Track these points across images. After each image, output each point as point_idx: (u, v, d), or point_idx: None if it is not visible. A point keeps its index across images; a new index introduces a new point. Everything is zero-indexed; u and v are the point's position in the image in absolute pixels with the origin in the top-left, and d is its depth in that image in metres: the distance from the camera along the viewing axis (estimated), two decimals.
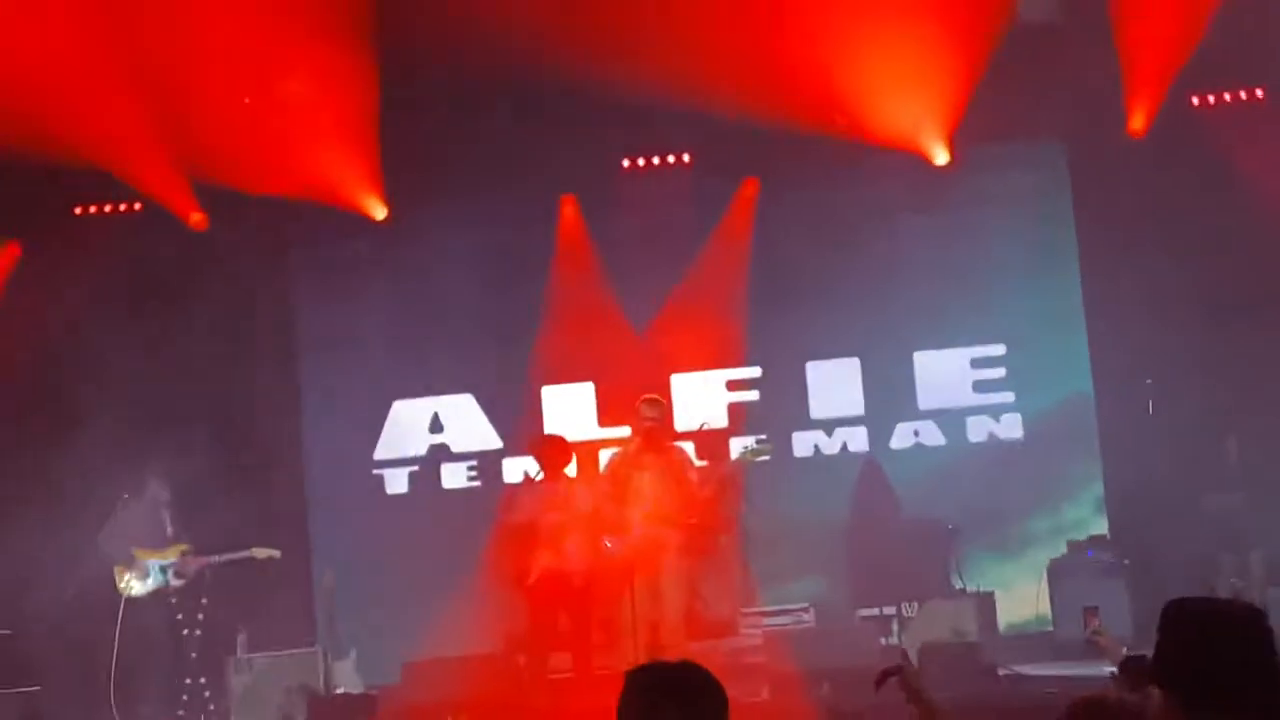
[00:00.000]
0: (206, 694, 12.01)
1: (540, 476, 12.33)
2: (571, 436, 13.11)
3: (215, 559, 12.38)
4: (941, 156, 13.63)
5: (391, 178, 13.91)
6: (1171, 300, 13.15)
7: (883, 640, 12.47)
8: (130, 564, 12.33)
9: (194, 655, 12.24)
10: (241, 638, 12.71)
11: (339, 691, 12.21)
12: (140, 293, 13.77)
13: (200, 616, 12.31)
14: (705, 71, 12.62)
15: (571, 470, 12.66)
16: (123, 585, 12.24)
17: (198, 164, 13.37)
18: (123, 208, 14.32)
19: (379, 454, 14.97)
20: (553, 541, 12.03)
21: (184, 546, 12.43)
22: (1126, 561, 12.78)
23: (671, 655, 11.46)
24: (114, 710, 11.89)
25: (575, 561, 11.88)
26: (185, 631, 12.24)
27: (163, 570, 12.32)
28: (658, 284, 14.23)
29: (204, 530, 12.53)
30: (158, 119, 12.71)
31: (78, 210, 14.31)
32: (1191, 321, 13.19)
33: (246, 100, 13.35)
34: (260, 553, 12.46)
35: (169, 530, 12.48)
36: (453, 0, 12.70)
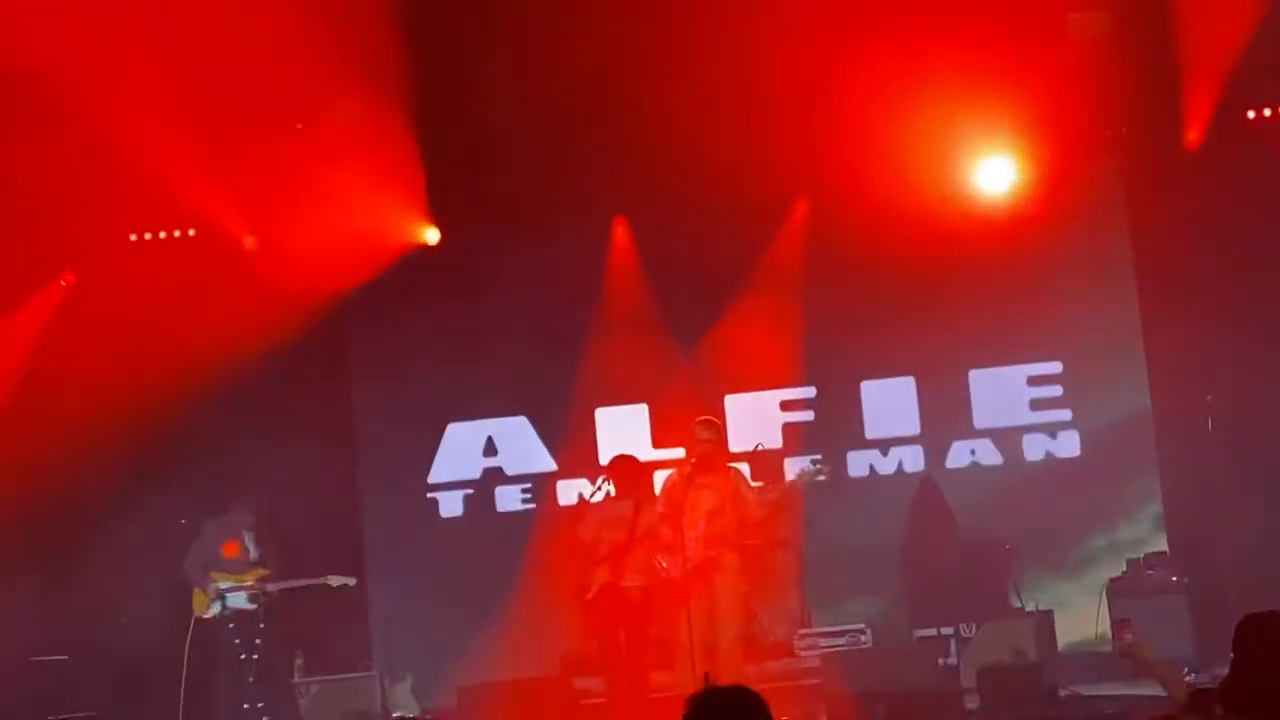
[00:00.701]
0: (265, 719, 12.03)
1: (599, 496, 12.38)
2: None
3: (293, 584, 12.42)
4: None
5: (441, 199, 13.94)
6: (1230, 315, 13.03)
7: (940, 661, 12.39)
8: (208, 587, 12.41)
9: (251, 680, 12.25)
10: (299, 662, 12.75)
11: (396, 716, 12.21)
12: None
13: (258, 641, 12.33)
14: (757, 90, 12.63)
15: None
16: (200, 608, 12.32)
17: (250, 188, 13.47)
18: (176, 233, 14.39)
19: (433, 477, 14.99)
20: (613, 559, 12.08)
21: (263, 571, 12.49)
22: (1185, 580, 12.66)
23: (728, 678, 11.45)
24: None
25: (633, 578, 11.91)
26: (243, 656, 12.26)
27: (243, 595, 12.38)
28: (711, 304, 14.20)
29: (278, 555, 12.62)
30: (211, 143, 12.79)
31: (132, 237, 14.40)
32: (1251, 336, 13.06)
33: (299, 126, 13.44)
34: (335, 580, 12.49)
35: (251, 555, 12.53)
36: (504, 24, 12.74)
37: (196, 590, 12.44)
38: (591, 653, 12.50)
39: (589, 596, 12.10)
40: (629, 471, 12.61)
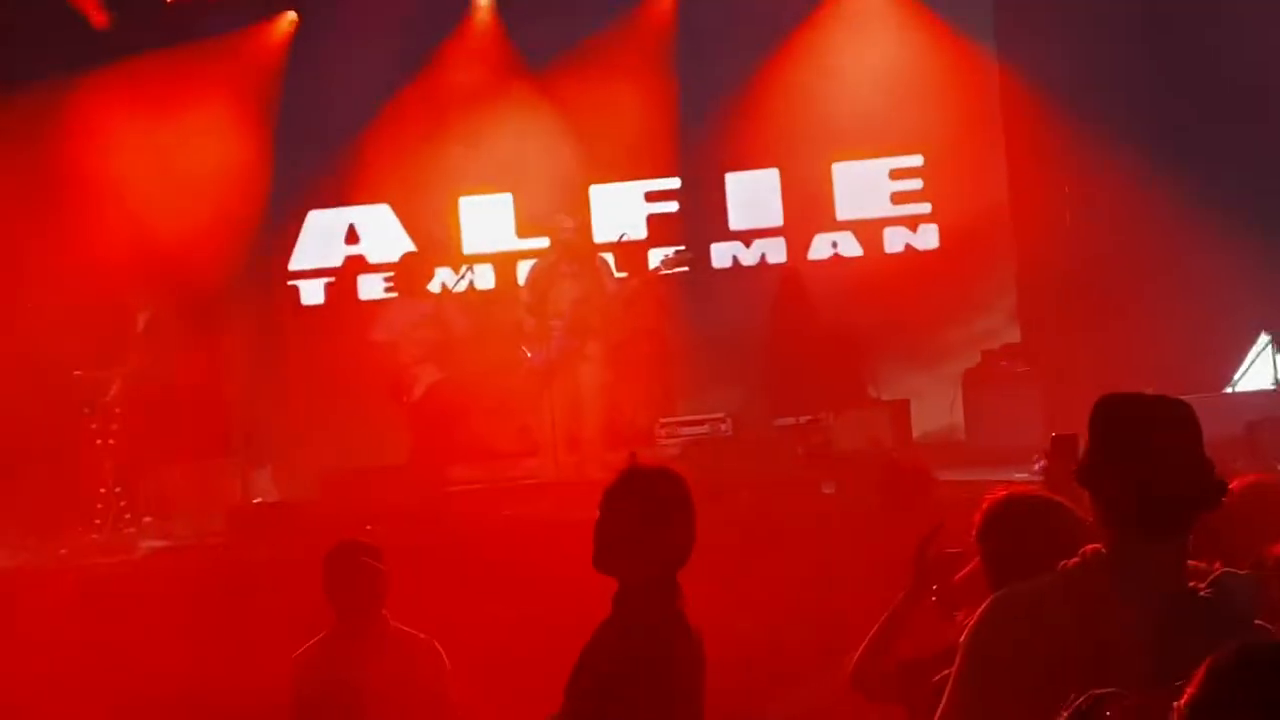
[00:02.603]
0: (122, 503, 11.96)
1: (463, 285, 12.40)
2: (485, 248, 13.11)
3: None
4: None
5: None
6: (1089, 105, 13.11)
7: (800, 449, 12.59)
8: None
9: (108, 464, 12.14)
10: (157, 448, 12.64)
11: (256, 501, 12.22)
12: None
13: (114, 426, 12.19)
14: None
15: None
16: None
17: None
18: None
19: (294, 264, 14.84)
20: (436, 357, 12.13)
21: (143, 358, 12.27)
22: (1036, 371, 12.91)
23: (591, 466, 11.60)
24: None
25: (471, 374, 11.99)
26: (99, 441, 12.12)
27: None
28: (575, 92, 14.06)
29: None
30: None
31: None
32: (1108, 127, 13.17)
33: None
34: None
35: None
36: None
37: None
38: (424, 449, 12.49)
39: (412, 399, 12.18)
40: (413, 269, 12.70)
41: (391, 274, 13.94)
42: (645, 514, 4.44)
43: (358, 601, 6.44)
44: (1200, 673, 2.58)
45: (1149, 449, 3.50)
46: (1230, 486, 3.60)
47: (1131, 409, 3.57)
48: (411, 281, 12.76)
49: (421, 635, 6.55)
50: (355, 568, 6.45)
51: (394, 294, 13.52)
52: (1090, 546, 3.54)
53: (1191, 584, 3.48)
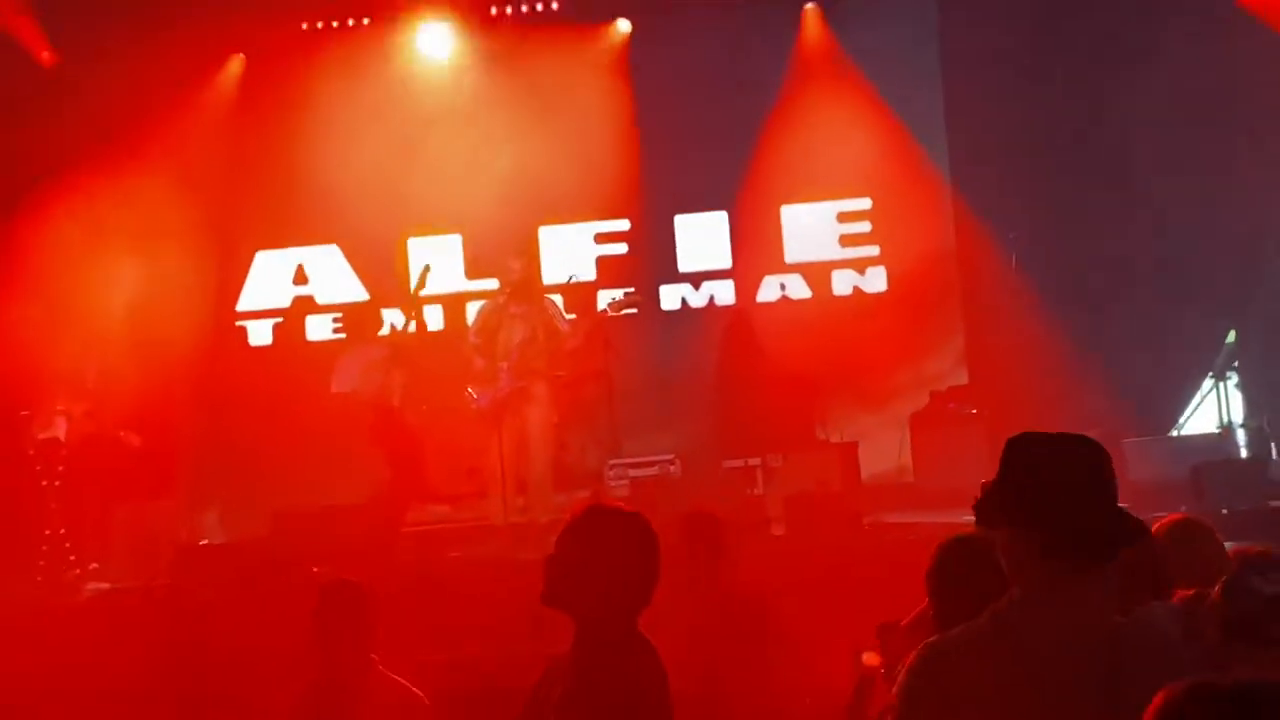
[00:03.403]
0: (66, 545, 11.86)
1: (413, 327, 12.43)
2: (434, 289, 13.11)
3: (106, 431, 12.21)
4: None
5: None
6: (1036, 154, 13.25)
7: (748, 490, 12.60)
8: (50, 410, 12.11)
9: (53, 506, 12.05)
10: (103, 489, 12.54)
11: (203, 543, 12.14)
12: None
13: (61, 469, 12.10)
14: None
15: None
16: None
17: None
18: None
19: (242, 305, 14.78)
20: (388, 400, 12.18)
21: (90, 404, 12.20)
22: (984, 412, 12.98)
23: (539, 508, 11.58)
24: None
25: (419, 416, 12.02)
26: (45, 483, 12.02)
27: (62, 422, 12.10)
28: (526, 136, 14.09)
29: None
30: None
31: None
32: (1056, 174, 13.30)
33: None
34: (127, 436, 12.29)
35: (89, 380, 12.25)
36: None
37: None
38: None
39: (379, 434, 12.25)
40: (365, 315, 12.75)
41: (340, 315, 13.90)
42: (600, 549, 4.38)
43: (350, 649, 6.02)
44: (1152, 711, 2.61)
45: (1060, 485, 3.55)
46: (1157, 525, 3.65)
47: (1041, 448, 3.62)
48: (361, 328, 12.74)
49: (414, 689, 6.09)
50: (349, 611, 6.03)
51: (342, 335, 13.48)
52: (1014, 589, 3.58)
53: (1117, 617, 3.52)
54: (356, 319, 12.93)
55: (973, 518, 3.73)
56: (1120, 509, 3.57)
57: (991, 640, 3.53)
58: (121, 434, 12.30)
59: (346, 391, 12.54)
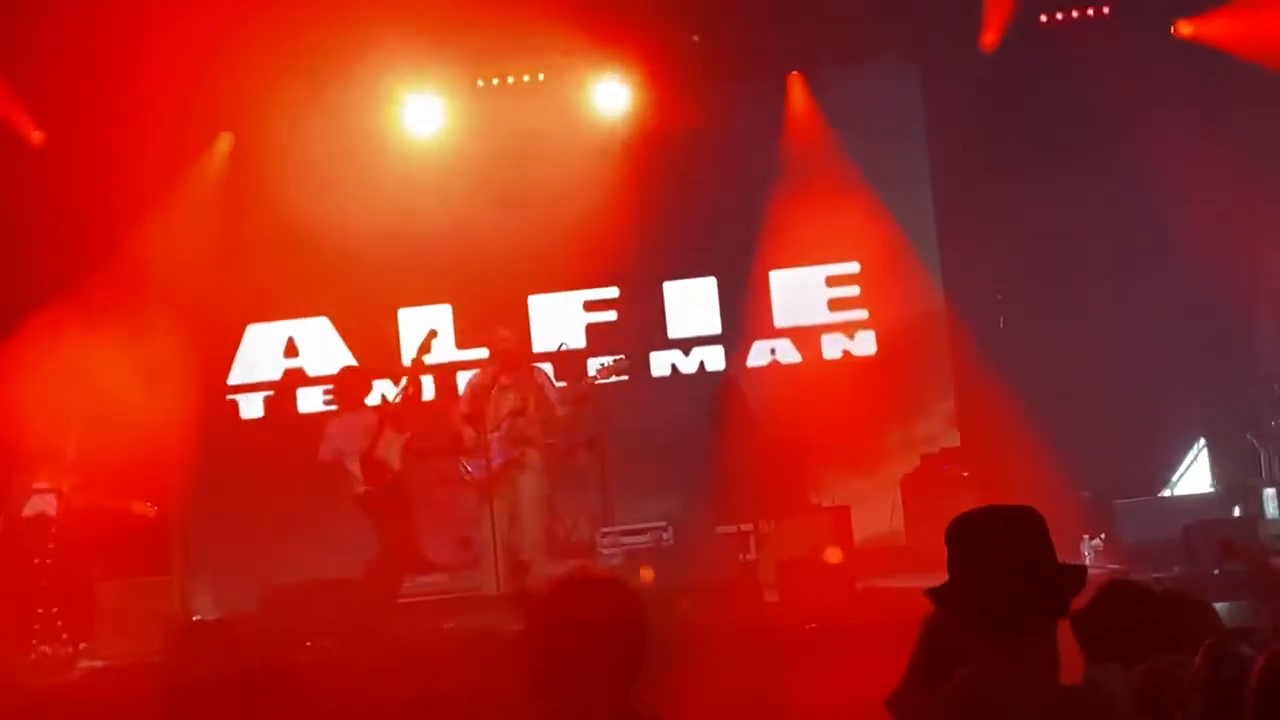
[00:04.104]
0: (59, 623, 11.81)
1: (399, 397, 12.41)
2: (431, 359, 13.15)
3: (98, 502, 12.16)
4: None
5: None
6: (1022, 216, 13.31)
7: (741, 556, 12.59)
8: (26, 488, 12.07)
9: (45, 583, 12.00)
10: (95, 566, 12.50)
11: (195, 619, 12.09)
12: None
13: (51, 545, 12.07)
14: None
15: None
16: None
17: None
18: None
19: (233, 379, 14.78)
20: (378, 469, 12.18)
21: (76, 479, 12.17)
22: (976, 475, 12.99)
23: (533, 577, 11.55)
24: None
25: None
26: (36, 560, 11.98)
27: (51, 499, 12.06)
28: (517, 202, 14.13)
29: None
30: None
31: None
32: (1041, 235, 13.36)
33: None
34: (139, 507, 12.27)
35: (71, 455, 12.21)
36: None
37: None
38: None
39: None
40: (351, 383, 12.73)
41: (331, 387, 13.91)
42: (578, 626, 4.17)
43: None
44: None
45: (987, 560, 3.63)
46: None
47: (971, 526, 3.71)
48: (350, 395, 12.75)
49: None
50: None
51: (334, 407, 13.46)
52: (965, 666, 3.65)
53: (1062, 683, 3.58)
54: (346, 384, 12.87)
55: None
56: (1057, 568, 3.61)
57: (944, 716, 3.60)
58: (134, 505, 12.26)
59: (330, 460, 12.52)
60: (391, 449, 12.36)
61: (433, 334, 12.65)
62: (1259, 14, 12.97)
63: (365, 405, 12.78)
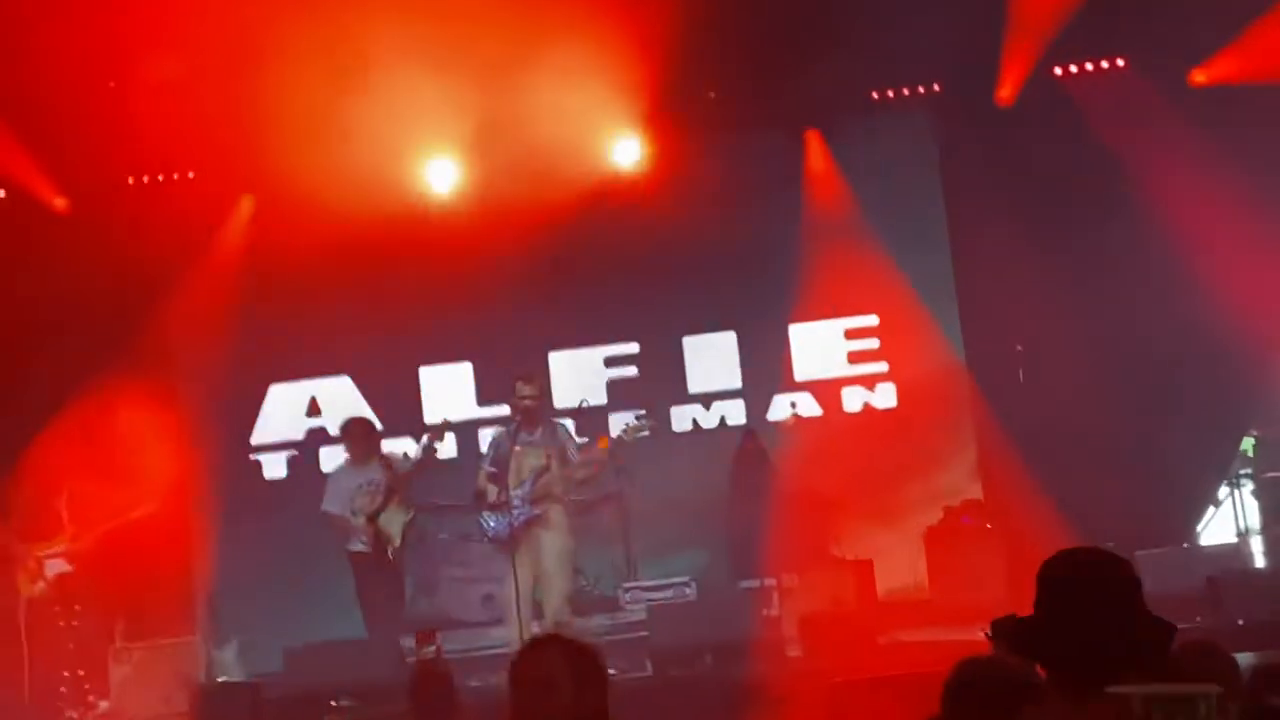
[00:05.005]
0: (86, 686, 11.85)
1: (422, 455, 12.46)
2: (452, 416, 13.18)
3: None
4: None
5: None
6: (1040, 266, 13.34)
7: (764, 611, 12.57)
8: (25, 559, 12.14)
9: (71, 646, 12.05)
10: (120, 628, 12.55)
11: (220, 680, 12.10)
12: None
13: (76, 607, 12.12)
14: None
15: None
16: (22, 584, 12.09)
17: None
18: None
19: (256, 439, 14.83)
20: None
21: (68, 538, 12.25)
22: (999, 527, 12.97)
23: (557, 633, 11.55)
24: None
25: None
26: (61, 624, 12.04)
27: (61, 561, 12.14)
28: (533, 261, 14.18)
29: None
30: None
31: None
32: (1059, 287, 13.39)
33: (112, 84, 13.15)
34: (139, 512, 12.35)
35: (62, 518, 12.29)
36: None
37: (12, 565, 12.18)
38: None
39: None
40: (364, 435, 12.78)
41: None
42: (540, 684, 4.35)
43: None
44: None
45: (1083, 610, 3.54)
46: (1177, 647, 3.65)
47: (1065, 570, 3.62)
48: (359, 447, 12.76)
49: None
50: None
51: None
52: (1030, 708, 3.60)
53: None
54: (355, 436, 12.87)
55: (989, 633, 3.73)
56: (1142, 628, 3.55)
57: None
58: (134, 512, 12.32)
59: (335, 513, 12.54)
60: (394, 522, 12.41)
61: (446, 424, 12.74)
62: (1271, 38, 12.97)
63: (375, 459, 12.73)
